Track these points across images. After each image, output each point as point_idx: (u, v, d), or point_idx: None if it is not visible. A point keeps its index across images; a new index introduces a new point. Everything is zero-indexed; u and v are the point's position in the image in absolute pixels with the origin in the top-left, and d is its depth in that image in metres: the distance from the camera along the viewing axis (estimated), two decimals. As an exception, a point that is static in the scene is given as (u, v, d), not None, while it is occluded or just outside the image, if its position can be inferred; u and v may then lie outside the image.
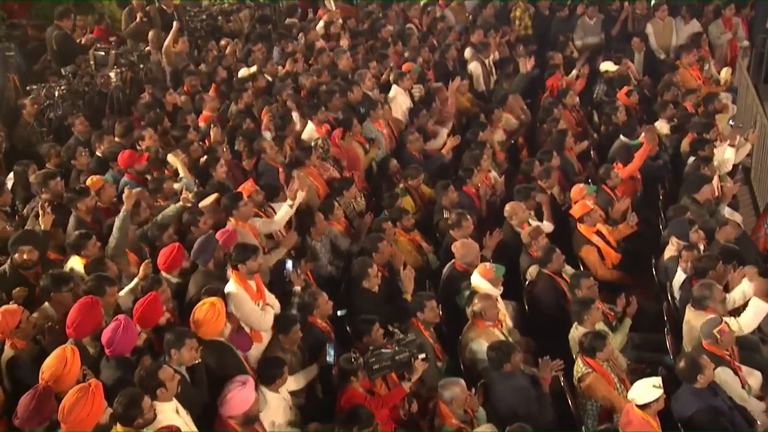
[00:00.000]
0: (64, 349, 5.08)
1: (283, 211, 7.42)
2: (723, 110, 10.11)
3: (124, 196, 6.81)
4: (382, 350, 5.73)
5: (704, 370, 5.65)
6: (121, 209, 6.71)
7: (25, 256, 6.35)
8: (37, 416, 4.75)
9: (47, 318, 5.85)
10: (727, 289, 6.72)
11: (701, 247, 7.25)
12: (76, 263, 6.43)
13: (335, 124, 9.29)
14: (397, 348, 5.73)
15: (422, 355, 5.74)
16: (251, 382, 5.35)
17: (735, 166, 9.29)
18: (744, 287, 6.60)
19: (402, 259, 7.27)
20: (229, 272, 6.29)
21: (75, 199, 7.16)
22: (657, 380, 5.48)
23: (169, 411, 5.07)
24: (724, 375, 5.92)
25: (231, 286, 6.14)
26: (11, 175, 8.43)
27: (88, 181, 7.53)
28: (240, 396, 5.23)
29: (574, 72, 11.08)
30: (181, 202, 7.12)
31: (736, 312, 6.49)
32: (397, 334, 5.98)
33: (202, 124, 9.18)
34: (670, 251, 7.40)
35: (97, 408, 4.68)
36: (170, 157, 7.99)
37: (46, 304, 5.98)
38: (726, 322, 6.05)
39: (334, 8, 12.76)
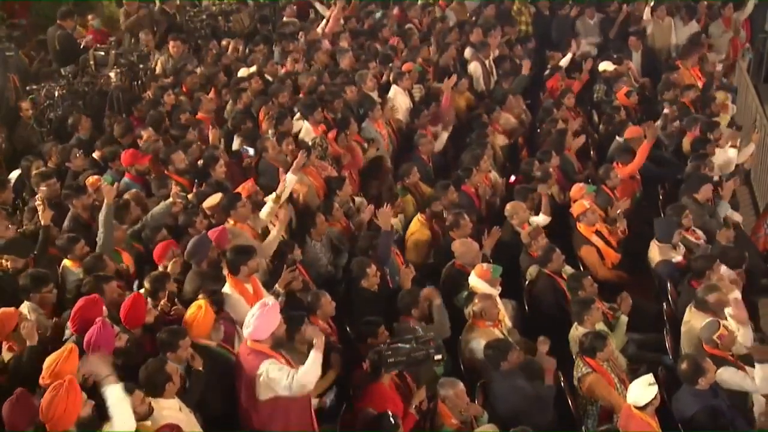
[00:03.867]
0: (64, 348, 5.09)
1: (267, 207, 7.33)
2: (723, 111, 10.12)
3: (102, 190, 6.77)
4: (400, 345, 5.66)
5: (706, 374, 5.67)
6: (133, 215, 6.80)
7: (9, 265, 6.41)
8: (20, 420, 4.77)
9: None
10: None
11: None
12: (67, 264, 6.54)
13: (332, 124, 9.28)
14: (414, 345, 5.65)
15: (439, 356, 5.67)
16: (275, 303, 5.37)
17: (735, 166, 9.29)
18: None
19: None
20: (225, 272, 6.29)
21: (72, 195, 7.19)
22: (650, 377, 5.49)
23: (173, 408, 5.08)
24: (725, 373, 5.91)
25: (227, 289, 6.15)
26: (13, 173, 8.46)
27: (87, 181, 7.55)
28: (266, 318, 5.25)
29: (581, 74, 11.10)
30: (170, 199, 7.14)
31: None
32: (417, 331, 5.94)
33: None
34: (654, 256, 7.40)
35: (73, 402, 4.66)
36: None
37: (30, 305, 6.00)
38: (725, 325, 6.05)
39: (326, 12, 12.69)
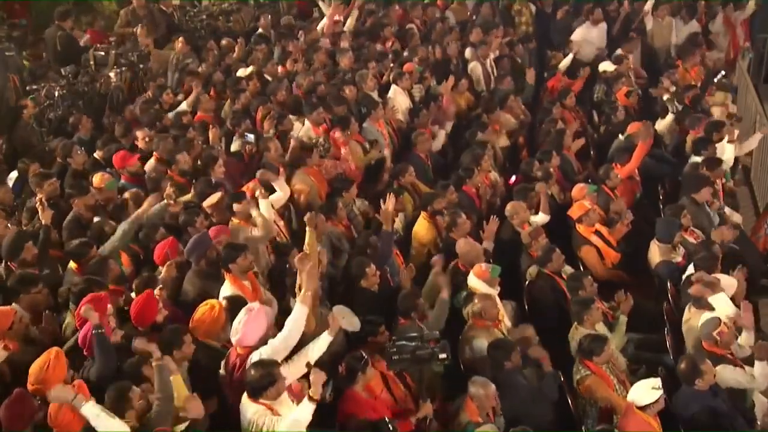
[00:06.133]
0: (49, 352, 5.07)
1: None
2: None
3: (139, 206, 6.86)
4: (405, 342, 5.60)
5: (704, 375, 5.68)
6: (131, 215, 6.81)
7: (28, 257, 6.42)
8: (18, 420, 4.79)
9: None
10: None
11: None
12: (71, 266, 6.52)
13: (329, 124, 9.27)
14: (420, 343, 5.59)
15: (443, 356, 5.59)
16: (261, 307, 5.36)
17: (735, 166, 9.29)
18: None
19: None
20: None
21: (73, 195, 7.20)
22: (656, 382, 5.49)
23: None
24: (724, 371, 5.93)
25: (226, 289, 6.14)
26: (12, 174, 8.47)
27: (94, 179, 7.55)
28: (253, 324, 5.25)
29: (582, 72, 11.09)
30: (165, 200, 7.15)
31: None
32: (422, 330, 5.93)
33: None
34: (654, 257, 7.40)
35: None
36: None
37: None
38: (724, 322, 6.05)
39: (328, 12, 12.66)
